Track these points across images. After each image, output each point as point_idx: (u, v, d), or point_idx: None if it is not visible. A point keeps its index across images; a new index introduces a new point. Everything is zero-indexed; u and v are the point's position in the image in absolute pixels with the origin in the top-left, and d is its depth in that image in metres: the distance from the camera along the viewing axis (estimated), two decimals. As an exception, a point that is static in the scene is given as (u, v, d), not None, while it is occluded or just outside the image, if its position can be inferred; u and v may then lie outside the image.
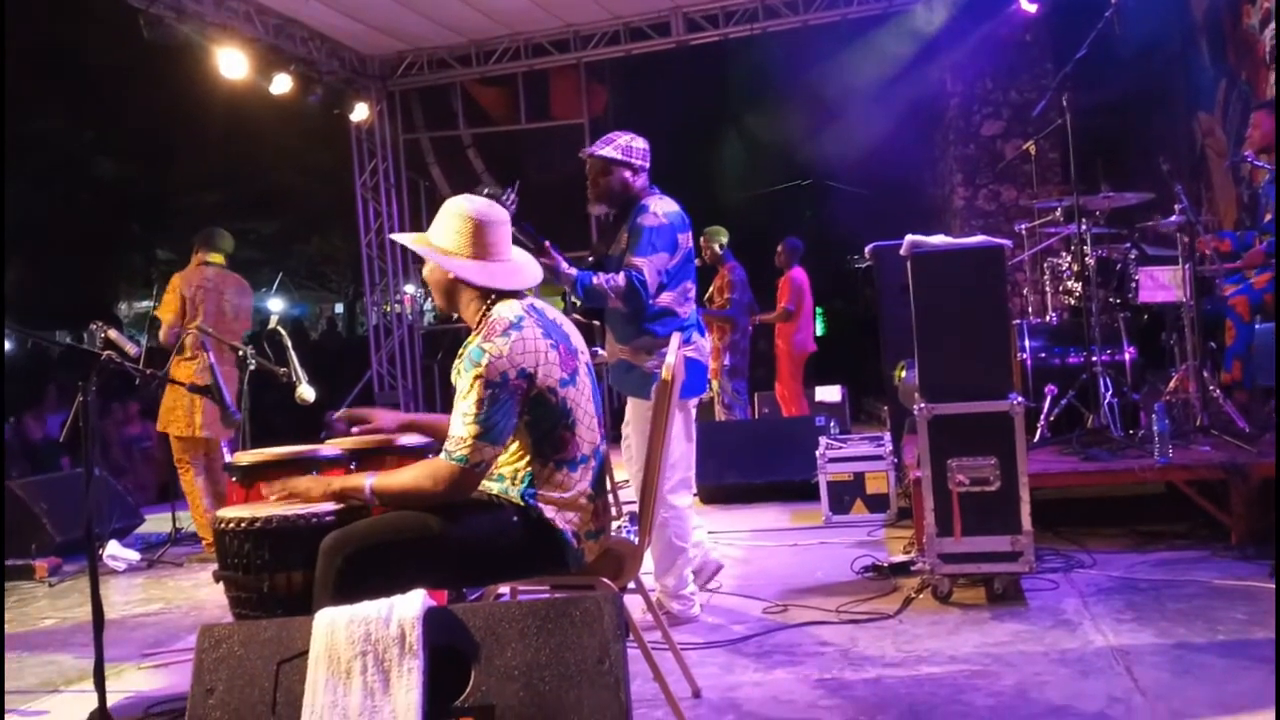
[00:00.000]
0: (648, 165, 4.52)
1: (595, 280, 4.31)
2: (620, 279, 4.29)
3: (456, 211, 3.12)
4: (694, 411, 4.60)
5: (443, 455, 2.93)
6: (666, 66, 12.50)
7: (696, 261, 4.84)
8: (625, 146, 4.46)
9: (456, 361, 3.01)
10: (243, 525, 3.23)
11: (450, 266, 3.07)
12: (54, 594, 6.10)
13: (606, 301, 4.35)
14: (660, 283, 4.37)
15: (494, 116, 12.69)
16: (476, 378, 2.88)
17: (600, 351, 4.90)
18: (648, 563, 4.43)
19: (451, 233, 3.10)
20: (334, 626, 2.41)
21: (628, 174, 4.46)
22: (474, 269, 3.08)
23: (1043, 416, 5.78)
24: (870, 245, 6.83)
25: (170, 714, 3.69)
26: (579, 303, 4.43)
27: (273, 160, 19.79)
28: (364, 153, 12.20)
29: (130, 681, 4.24)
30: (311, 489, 3.14)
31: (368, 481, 3.01)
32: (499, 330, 2.95)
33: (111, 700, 3.46)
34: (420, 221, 11.95)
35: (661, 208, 4.42)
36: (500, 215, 3.17)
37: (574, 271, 4.33)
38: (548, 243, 4.26)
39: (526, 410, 2.98)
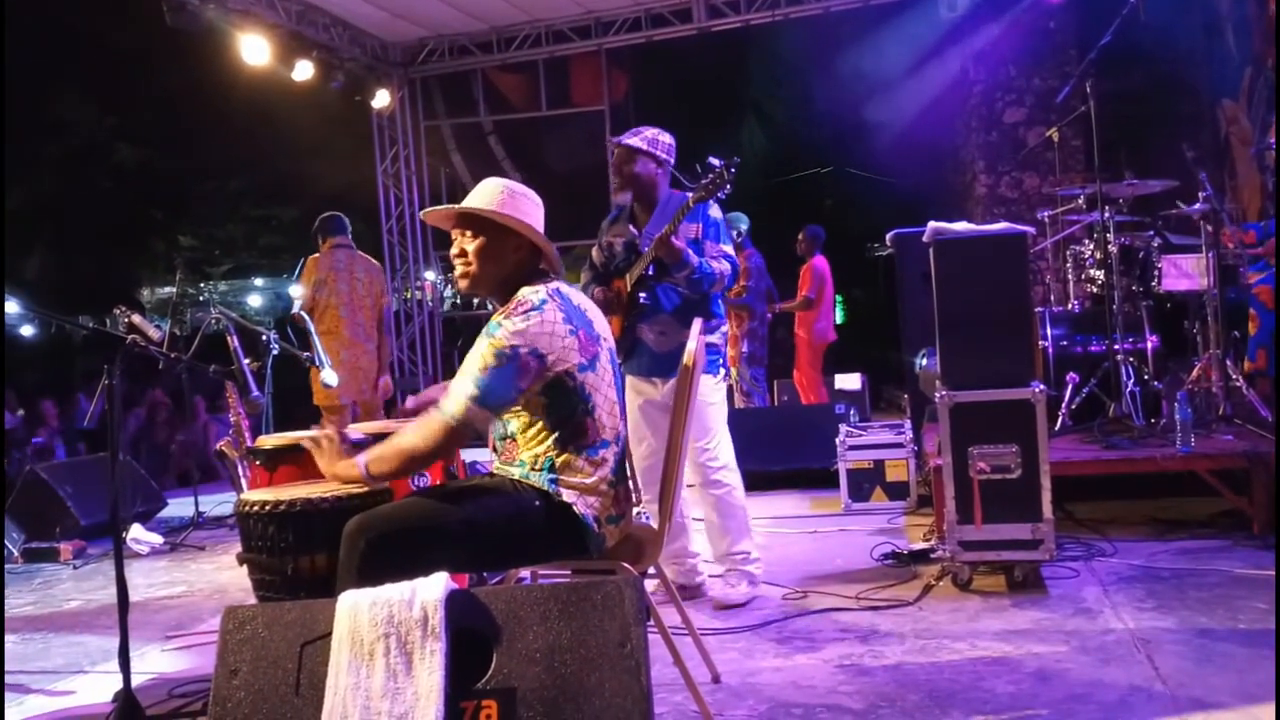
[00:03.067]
0: (672, 159, 4.62)
1: (716, 267, 4.43)
2: (727, 266, 4.47)
3: (500, 183, 3.14)
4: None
5: (435, 410, 2.96)
6: (688, 53, 12.45)
7: None
8: (652, 139, 4.57)
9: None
10: (266, 508, 3.26)
11: (520, 215, 3.07)
12: (78, 576, 6.16)
13: (711, 286, 4.47)
14: None
15: (515, 103, 12.65)
16: (488, 345, 2.93)
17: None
18: (668, 548, 4.45)
19: (495, 196, 3.10)
20: (357, 609, 2.43)
21: (652, 165, 4.57)
22: (534, 225, 3.10)
23: (1064, 405, 5.77)
24: (891, 232, 6.80)
25: (194, 695, 3.72)
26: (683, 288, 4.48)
27: (294, 147, 19.85)
28: (385, 140, 12.21)
29: (154, 663, 4.29)
30: (334, 469, 3.08)
31: (361, 462, 2.98)
32: (520, 311, 2.97)
33: (136, 681, 3.50)
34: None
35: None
36: (535, 196, 3.20)
37: (696, 259, 4.40)
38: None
39: (541, 393, 2.99)
